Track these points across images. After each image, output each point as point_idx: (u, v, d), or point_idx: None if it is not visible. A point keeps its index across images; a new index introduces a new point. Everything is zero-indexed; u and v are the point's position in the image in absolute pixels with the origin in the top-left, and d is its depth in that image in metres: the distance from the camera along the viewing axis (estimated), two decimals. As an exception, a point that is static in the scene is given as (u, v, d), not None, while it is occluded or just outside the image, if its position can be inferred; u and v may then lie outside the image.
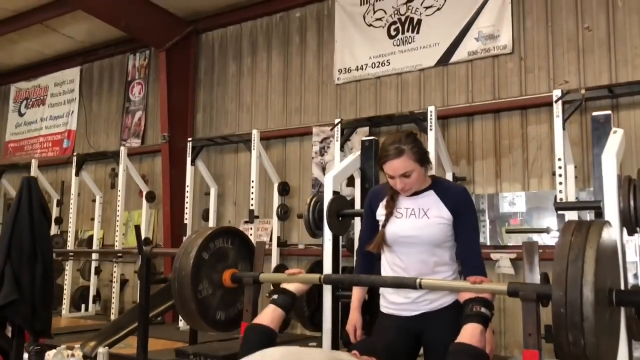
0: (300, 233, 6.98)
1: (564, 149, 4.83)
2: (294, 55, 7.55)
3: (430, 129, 5.49)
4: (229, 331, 2.43)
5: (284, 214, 7.06)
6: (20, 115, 10.39)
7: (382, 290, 2.34)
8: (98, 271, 8.17)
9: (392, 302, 2.26)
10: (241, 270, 2.45)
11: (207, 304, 2.37)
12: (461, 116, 6.39)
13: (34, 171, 8.48)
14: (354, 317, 2.30)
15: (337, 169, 2.95)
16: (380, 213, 2.31)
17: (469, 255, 2.17)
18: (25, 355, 3.01)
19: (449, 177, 6.03)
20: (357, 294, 2.29)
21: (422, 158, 2.21)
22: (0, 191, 9.31)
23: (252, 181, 6.65)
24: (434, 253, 2.17)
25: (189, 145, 7.22)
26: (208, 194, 7.61)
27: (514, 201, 6.12)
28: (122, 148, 7.82)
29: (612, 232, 1.74)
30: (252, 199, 6.60)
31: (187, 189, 7.22)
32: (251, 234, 6.29)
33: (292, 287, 2.24)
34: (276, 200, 7.04)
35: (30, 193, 2.92)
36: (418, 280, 1.94)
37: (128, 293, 8.34)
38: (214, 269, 2.42)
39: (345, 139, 5.87)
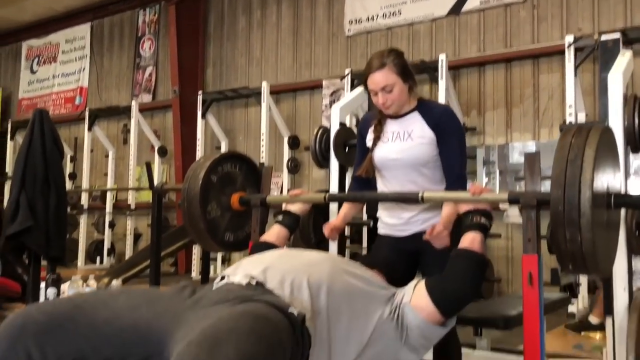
0: (310, 186, 7.03)
1: (575, 96, 4.79)
2: (304, 7, 7.48)
3: (441, 79, 5.45)
4: (237, 251, 2.49)
5: (294, 167, 7.11)
6: (33, 72, 10.44)
7: (379, 213, 2.38)
8: (112, 225, 8.30)
9: (387, 223, 2.30)
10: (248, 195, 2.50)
11: (215, 225, 2.43)
12: (472, 66, 6.35)
13: (47, 127, 8.56)
14: (334, 221, 2.30)
15: (343, 100, 2.96)
16: (369, 138, 2.30)
17: (451, 169, 2.14)
18: (43, 284, 3.11)
19: (460, 127, 6.03)
20: (344, 209, 2.31)
21: (404, 72, 2.16)
22: (16, 148, 9.40)
23: (262, 134, 6.68)
24: (421, 173, 2.17)
25: (199, 99, 7.25)
26: (219, 148, 7.66)
27: (524, 151, 6.11)
28: (133, 103, 7.86)
29: (613, 137, 1.76)
30: (262, 152, 6.64)
31: (198, 143, 7.26)
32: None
33: (295, 207, 2.29)
34: (286, 153, 7.08)
35: (42, 124, 2.98)
36: (420, 194, 1.97)
37: (142, 246, 8.49)
38: (222, 192, 2.47)
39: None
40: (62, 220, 3.00)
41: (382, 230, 2.33)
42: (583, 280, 4.65)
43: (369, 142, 2.29)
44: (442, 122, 2.17)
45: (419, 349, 1.82)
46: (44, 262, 3.12)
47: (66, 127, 9.88)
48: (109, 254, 8.24)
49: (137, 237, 8.37)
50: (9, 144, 9.47)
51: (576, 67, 4.80)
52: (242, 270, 1.66)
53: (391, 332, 1.74)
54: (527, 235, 1.78)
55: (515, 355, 2.70)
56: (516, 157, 6.27)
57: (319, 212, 2.88)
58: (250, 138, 7.86)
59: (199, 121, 7.22)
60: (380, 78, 2.12)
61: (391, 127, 2.24)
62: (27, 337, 1.32)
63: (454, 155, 2.16)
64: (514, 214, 5.91)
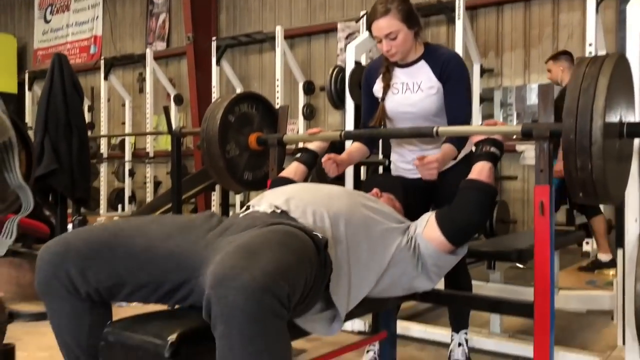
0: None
1: (595, 35, 4.67)
2: (317, -52, 7.32)
3: (458, 19, 5.33)
4: (257, 189, 2.55)
5: (309, 113, 7.11)
6: (46, 22, 10.42)
7: (392, 157, 2.41)
8: (132, 173, 8.43)
9: (399, 167, 2.34)
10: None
11: (234, 164, 2.48)
12: (490, 6, 6.22)
13: (63, 76, 8.60)
14: (337, 153, 2.29)
15: (359, 39, 2.95)
16: (378, 88, 2.28)
17: (456, 120, 2.12)
18: (70, 225, 3.23)
19: (476, 69, 5.96)
20: (350, 148, 2.32)
21: (409, 18, 2.10)
22: (34, 98, 9.49)
23: (277, 80, 6.65)
24: (433, 122, 2.15)
25: (214, 45, 7.20)
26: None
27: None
28: (147, 51, 7.84)
29: (628, 66, 1.76)
30: (277, 98, 6.63)
31: (213, 90, 7.27)
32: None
33: (313, 146, 2.33)
34: (301, 99, 7.07)
35: (62, 69, 3.03)
36: (435, 128, 1.99)
37: (161, 194, 8.65)
38: (240, 132, 2.51)
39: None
40: (86, 163, 3.08)
41: (395, 172, 2.38)
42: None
43: (377, 91, 2.27)
44: (447, 69, 2.14)
45: (433, 277, 1.89)
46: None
47: (82, 76, 9.89)
48: (130, 202, 8.40)
49: (156, 184, 8.52)
50: (27, 95, 9.55)
51: (598, 4, 4.66)
52: (266, 200, 1.71)
53: (408, 261, 1.81)
54: (540, 166, 1.80)
55: (528, 288, 2.77)
56: (534, 99, 6.20)
57: (337, 152, 2.92)
58: (265, 84, 7.84)
59: (214, 68, 7.20)
60: (384, 24, 2.08)
61: (400, 77, 2.22)
62: (68, 263, 1.39)
63: (459, 106, 2.14)
64: (530, 155, 5.90)
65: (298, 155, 2.31)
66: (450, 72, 2.13)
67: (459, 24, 5.29)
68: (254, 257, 1.25)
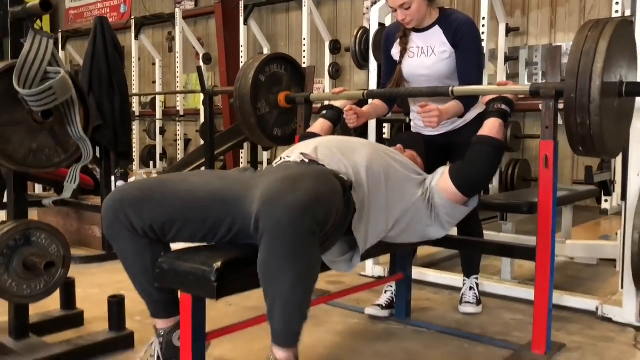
0: (352, 90, 7.18)
1: (622, -6, 4.67)
2: None
3: (485, -23, 5.34)
4: (285, 145, 2.76)
5: (335, 72, 7.21)
6: (78, -19, 10.59)
7: (411, 115, 2.58)
8: (162, 131, 8.68)
9: (418, 125, 2.51)
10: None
11: (265, 121, 2.69)
12: (517, -37, 6.20)
13: (96, 36, 8.82)
14: (359, 106, 2.44)
15: (383, 0, 3.06)
16: (395, 51, 2.43)
17: (466, 84, 2.26)
18: (112, 178, 3.49)
19: (502, 28, 5.97)
20: (371, 106, 2.48)
21: None
22: (67, 57, 9.76)
23: (304, 39, 6.75)
24: (447, 84, 2.28)
25: (241, 4, 7.31)
26: (261, 54, 7.81)
27: (567, 51, 6.04)
28: (177, 10, 7.99)
29: (631, 30, 1.89)
30: (304, 57, 6.75)
31: (241, 49, 7.41)
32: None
33: (338, 103, 2.51)
34: (328, 59, 7.16)
35: (104, 31, 3.23)
36: (451, 88, 2.15)
37: (191, 151, 8.92)
38: (270, 91, 2.70)
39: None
40: (127, 119, 3.32)
41: (414, 130, 2.56)
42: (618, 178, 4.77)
43: (395, 55, 2.43)
44: (459, 34, 2.27)
45: (446, 225, 2.09)
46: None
47: (113, 36, 10.11)
48: (160, 159, 8.69)
49: (186, 142, 8.77)
50: (61, 54, 9.80)
51: (626, -39, 4.64)
52: (297, 150, 1.92)
53: (423, 210, 2.00)
54: (545, 123, 1.96)
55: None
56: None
57: (358, 104, 3.10)
58: (291, 44, 7.95)
59: (242, 27, 7.31)
60: None
61: (415, 41, 2.37)
62: (126, 207, 1.63)
63: (469, 69, 2.28)
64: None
65: (324, 112, 2.49)
66: (462, 37, 2.27)
67: (485, -15, 5.31)
68: (296, 184, 1.47)
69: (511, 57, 6.24)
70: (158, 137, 8.59)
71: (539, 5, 6.28)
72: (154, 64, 8.81)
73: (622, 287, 2.38)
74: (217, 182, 1.72)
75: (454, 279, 2.86)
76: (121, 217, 1.64)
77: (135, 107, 8.76)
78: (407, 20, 2.28)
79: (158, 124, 8.58)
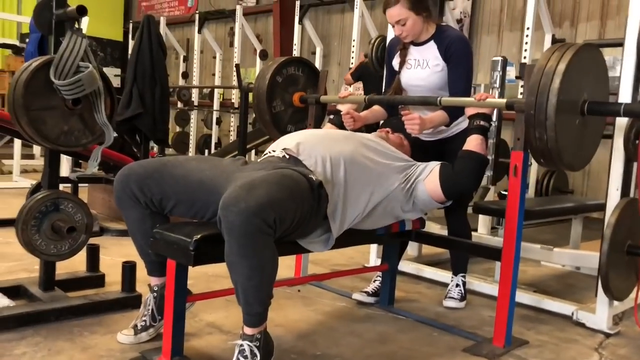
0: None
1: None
2: None
3: (533, -13, 5.37)
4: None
5: (382, 73, 7.40)
6: (151, -25, 11.21)
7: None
8: (219, 122, 9.11)
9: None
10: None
11: (279, 118, 2.95)
12: (569, -26, 6.18)
13: (162, 28, 9.34)
14: (358, 112, 2.66)
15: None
16: (396, 62, 2.65)
17: (453, 92, 2.46)
18: (151, 161, 3.85)
19: (547, 39, 5.98)
20: (370, 111, 2.71)
21: (416, 6, 2.42)
22: (136, 47, 10.38)
23: (353, 40, 6.98)
24: (440, 95, 2.45)
25: (297, 4, 7.61)
26: (314, 53, 8.08)
27: (613, 65, 5.99)
28: (238, 7, 8.38)
29: (597, 53, 2.01)
30: (352, 57, 6.97)
31: (294, 47, 7.71)
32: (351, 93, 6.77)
33: (344, 107, 2.75)
34: (376, 60, 7.36)
35: (150, 29, 3.59)
36: (439, 98, 2.35)
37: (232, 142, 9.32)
38: (286, 91, 2.96)
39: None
40: (165, 109, 3.66)
41: (413, 135, 2.76)
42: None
43: (395, 65, 2.66)
44: (451, 50, 2.46)
45: (419, 212, 2.38)
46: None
47: (180, 28, 10.68)
48: (215, 148, 9.13)
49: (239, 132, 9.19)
50: (131, 43, 10.44)
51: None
52: (281, 145, 2.17)
53: (400, 197, 2.26)
54: (517, 135, 2.13)
55: (526, 243, 3.08)
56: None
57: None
58: (344, 43, 8.19)
59: (296, 26, 7.61)
60: (394, 13, 2.44)
61: (413, 53, 2.58)
62: (131, 182, 1.96)
63: (458, 85, 2.47)
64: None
65: (331, 117, 2.75)
66: (453, 53, 2.47)
67: (532, -8, 5.34)
68: (252, 191, 1.71)
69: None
70: (214, 127, 9.02)
71: (588, 17, 6.25)
72: (214, 57, 9.26)
73: (596, 295, 2.50)
74: (209, 171, 2.00)
75: (448, 276, 3.03)
76: (127, 190, 1.96)
77: (195, 98, 9.25)
78: (404, 35, 2.49)
79: (215, 115, 9.03)
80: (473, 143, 2.31)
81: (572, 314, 2.59)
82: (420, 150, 2.66)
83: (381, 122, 2.97)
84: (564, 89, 1.88)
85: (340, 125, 2.74)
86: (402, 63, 2.60)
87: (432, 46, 2.52)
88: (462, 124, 2.58)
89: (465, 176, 2.28)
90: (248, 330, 1.77)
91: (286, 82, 2.97)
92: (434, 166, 2.32)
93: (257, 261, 1.69)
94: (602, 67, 2.08)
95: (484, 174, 2.38)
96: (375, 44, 4.80)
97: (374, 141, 2.32)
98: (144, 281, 2.51)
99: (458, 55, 2.46)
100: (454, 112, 2.47)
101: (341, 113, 2.62)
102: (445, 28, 2.57)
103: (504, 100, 2.21)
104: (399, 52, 2.62)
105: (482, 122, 2.30)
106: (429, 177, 2.28)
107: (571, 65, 1.88)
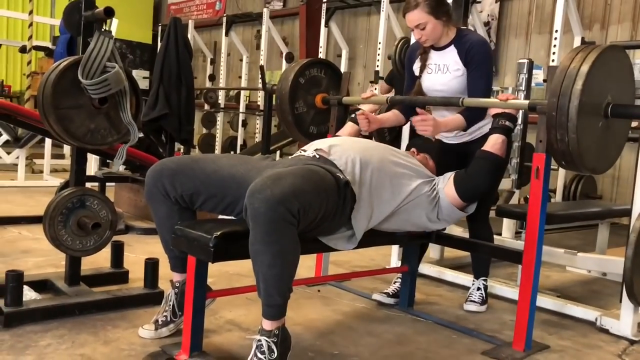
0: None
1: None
2: None
3: (562, -11, 5.29)
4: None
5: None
6: (180, -21, 11.38)
7: None
8: (244, 124, 9.19)
9: (441, 135, 2.70)
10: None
11: (302, 119, 2.97)
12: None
13: (190, 31, 9.47)
14: (375, 115, 2.65)
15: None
16: (416, 66, 2.63)
17: (471, 96, 2.41)
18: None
19: (577, 41, 5.89)
20: (388, 113, 2.69)
21: (436, 9, 2.40)
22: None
23: (379, 43, 6.97)
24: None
25: (324, 7, 7.64)
26: (339, 56, 8.11)
27: (644, 68, 5.87)
28: (264, 10, 8.44)
29: (623, 55, 1.98)
30: (377, 60, 6.96)
31: (320, 50, 7.74)
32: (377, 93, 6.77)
33: (366, 107, 2.76)
34: (402, 63, 7.34)
35: (177, 30, 3.65)
36: (461, 99, 2.35)
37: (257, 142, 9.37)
38: (309, 93, 2.98)
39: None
40: (191, 110, 3.72)
41: (437, 136, 2.76)
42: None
43: (416, 70, 2.64)
44: (470, 54, 2.44)
45: (444, 223, 2.35)
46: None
47: (207, 31, 10.81)
48: (240, 149, 9.21)
49: (265, 135, 9.25)
50: (160, 45, 10.60)
51: None
52: (313, 146, 2.20)
53: (425, 205, 2.27)
54: (540, 138, 2.11)
55: (549, 247, 3.04)
56: (636, 75, 6.02)
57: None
58: (370, 46, 8.19)
59: (322, 29, 7.64)
60: (413, 17, 2.43)
61: (434, 58, 2.57)
62: (163, 177, 2.01)
63: (478, 86, 2.44)
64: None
65: (352, 116, 2.75)
66: (472, 57, 2.45)
67: (561, -5, 5.27)
68: (278, 181, 1.75)
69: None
70: (240, 129, 9.10)
71: (619, 20, 6.14)
72: (241, 60, 9.35)
73: (620, 301, 2.46)
74: (240, 166, 2.04)
75: (469, 279, 3.01)
76: (158, 185, 2.01)
77: (222, 100, 9.34)
78: (423, 39, 2.49)
79: (241, 117, 9.11)
80: (491, 143, 2.31)
81: (596, 319, 2.55)
82: (442, 152, 2.66)
83: (407, 140, 2.96)
84: (587, 90, 1.86)
85: None
86: (423, 68, 2.60)
87: (452, 51, 2.51)
88: (484, 127, 2.56)
89: (478, 177, 2.29)
90: (267, 325, 1.79)
91: (309, 83, 2.99)
92: (451, 175, 2.33)
93: (279, 249, 1.71)
94: (628, 68, 2.05)
95: (501, 174, 2.36)
96: (399, 45, 4.80)
97: (402, 153, 2.37)
98: (167, 278, 2.54)
99: (477, 59, 2.45)
100: (472, 117, 2.45)
101: (356, 113, 2.61)
102: (466, 32, 2.56)
103: (526, 102, 2.19)
104: (419, 56, 2.62)
105: (506, 123, 2.28)
106: (447, 184, 2.30)
107: (594, 66, 1.86)
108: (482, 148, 2.30)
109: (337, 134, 2.76)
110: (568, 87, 1.86)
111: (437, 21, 2.45)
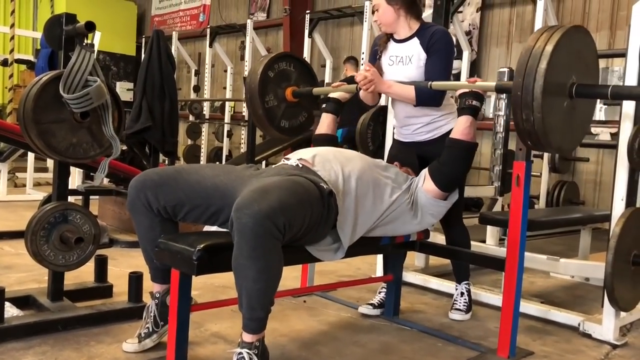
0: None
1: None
2: None
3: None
4: (292, 136, 3.04)
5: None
6: (163, -10, 11.39)
7: (393, 123, 2.85)
8: (230, 134, 9.19)
9: (400, 132, 2.75)
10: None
11: (273, 113, 2.89)
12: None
13: (174, 43, 9.48)
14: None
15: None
16: (378, 57, 2.68)
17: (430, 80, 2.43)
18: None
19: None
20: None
21: None
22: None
23: (362, 53, 7.01)
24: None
25: (307, 17, 7.69)
26: (324, 66, 8.15)
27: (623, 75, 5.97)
28: (248, 21, 8.48)
29: (586, 36, 1.98)
30: (361, 70, 6.99)
31: (304, 60, 7.77)
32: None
33: (337, 95, 2.76)
34: (386, 72, 7.39)
35: (159, 43, 3.65)
36: (430, 83, 2.38)
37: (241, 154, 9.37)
38: (279, 86, 2.91)
39: (455, 8, 5.93)
40: (174, 122, 3.72)
41: (396, 136, 2.82)
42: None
43: (378, 60, 2.69)
44: (431, 41, 2.49)
45: (429, 220, 2.41)
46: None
47: (191, 42, 10.81)
48: (226, 160, 9.20)
49: (250, 145, 9.24)
50: (143, 57, 10.59)
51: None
52: (297, 155, 2.21)
53: (406, 212, 2.31)
54: (519, 146, 2.14)
55: (531, 254, 3.07)
56: (614, 82, 6.12)
57: (377, 123, 3.34)
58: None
59: (306, 40, 7.68)
60: (374, 1, 2.56)
61: (394, 50, 2.62)
62: (146, 188, 2.00)
63: (434, 71, 2.47)
64: (605, 138, 5.92)
65: (324, 105, 2.77)
66: (433, 44, 2.49)
67: (540, 4, 5.35)
68: (265, 195, 1.76)
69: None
70: (225, 139, 9.11)
71: (597, 28, 6.25)
72: (225, 71, 9.37)
73: (602, 305, 2.49)
74: (223, 176, 2.05)
75: (454, 287, 3.02)
76: (141, 196, 2.00)
77: (207, 110, 9.33)
78: (378, 23, 2.58)
79: (226, 128, 9.12)
80: (460, 128, 2.37)
81: (579, 325, 2.58)
82: (398, 150, 2.73)
83: (387, 154, 3.00)
84: (551, 70, 1.84)
85: (336, 112, 2.74)
86: (380, 57, 2.65)
87: (414, 42, 2.56)
88: (442, 127, 2.59)
89: (452, 165, 2.36)
90: (247, 338, 1.79)
91: (278, 77, 2.93)
92: (425, 172, 2.40)
93: (264, 264, 1.72)
94: (592, 51, 2.05)
95: (472, 156, 2.42)
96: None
97: (384, 163, 2.44)
98: (149, 290, 2.54)
99: (438, 46, 2.49)
100: (424, 98, 2.46)
101: (359, 73, 2.59)
102: (430, 25, 2.61)
103: (493, 83, 2.25)
104: (381, 48, 2.67)
105: (473, 102, 2.33)
106: (425, 181, 2.37)
107: (559, 46, 1.85)
108: (451, 135, 2.39)
109: (317, 132, 2.75)
110: (533, 67, 1.86)
111: (388, 6, 2.52)
